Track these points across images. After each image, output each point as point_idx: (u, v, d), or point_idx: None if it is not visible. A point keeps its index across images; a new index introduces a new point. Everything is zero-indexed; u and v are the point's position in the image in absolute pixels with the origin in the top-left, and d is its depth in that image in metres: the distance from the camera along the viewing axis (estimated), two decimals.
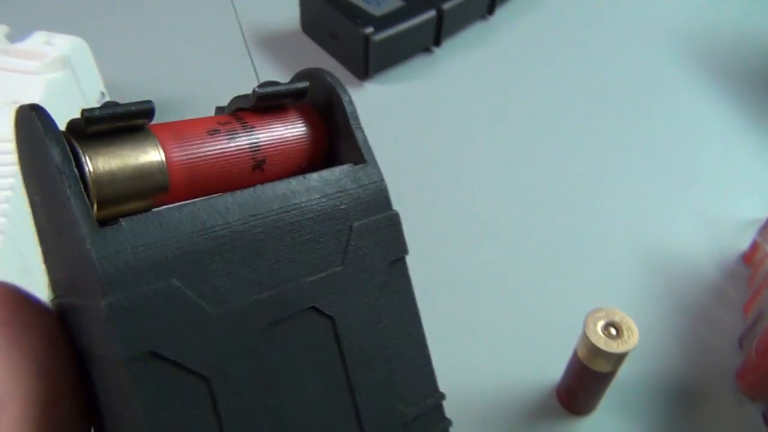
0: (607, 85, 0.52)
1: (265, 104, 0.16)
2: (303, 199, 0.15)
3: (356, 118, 0.17)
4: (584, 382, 0.29)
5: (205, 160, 0.15)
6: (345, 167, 0.17)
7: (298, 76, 0.18)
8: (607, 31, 0.58)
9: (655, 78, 0.53)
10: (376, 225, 0.16)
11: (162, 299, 0.13)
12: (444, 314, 0.34)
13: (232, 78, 0.51)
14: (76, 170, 0.12)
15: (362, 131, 0.17)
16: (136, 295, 0.12)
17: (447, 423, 0.18)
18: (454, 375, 0.32)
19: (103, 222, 0.13)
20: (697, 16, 0.60)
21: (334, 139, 0.18)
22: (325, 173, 0.16)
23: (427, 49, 0.54)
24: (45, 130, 0.12)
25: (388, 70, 0.52)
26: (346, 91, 0.17)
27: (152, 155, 0.14)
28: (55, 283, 0.15)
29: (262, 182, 0.15)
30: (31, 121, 0.13)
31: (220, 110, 0.18)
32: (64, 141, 0.13)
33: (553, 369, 0.31)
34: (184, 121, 0.16)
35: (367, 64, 0.49)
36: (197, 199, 0.14)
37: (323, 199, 0.16)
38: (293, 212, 0.15)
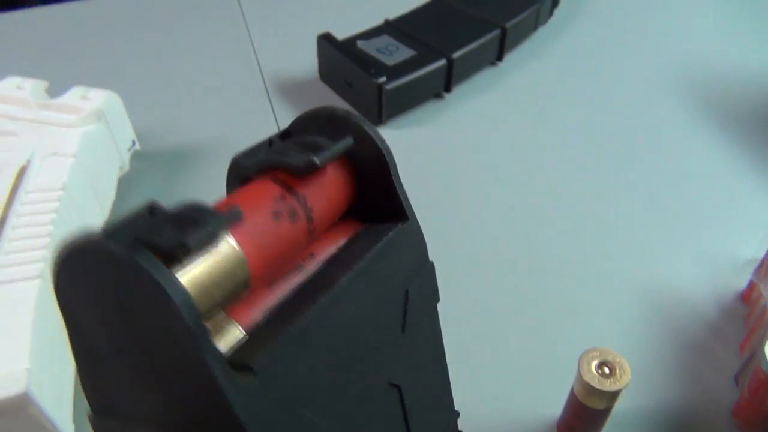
0: (611, 127, 0.54)
1: None
2: (371, 284, 0.15)
3: (397, 172, 0.17)
4: (582, 418, 0.31)
5: (277, 248, 0.15)
6: (395, 231, 0.16)
7: (329, 116, 0.18)
8: (611, 75, 0.60)
9: (657, 119, 0.55)
10: (420, 281, 0.17)
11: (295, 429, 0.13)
12: (447, 350, 0.36)
13: (253, 123, 0.54)
14: (206, 328, 0.12)
15: (402, 185, 0.17)
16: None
17: None
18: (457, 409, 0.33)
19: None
20: (696, 58, 0.62)
21: (364, 185, 0.17)
22: (384, 245, 0.16)
23: (438, 95, 0.57)
24: (166, 287, 0.12)
25: (400, 115, 0.54)
26: (383, 140, 0.17)
27: (232, 257, 0.14)
28: (101, 404, 0.15)
29: (309, 241, 0.15)
30: (135, 267, 0.12)
31: (243, 160, 0.18)
32: (192, 306, 0.12)
33: (554, 404, 0.33)
34: (241, 200, 0.16)
35: (381, 111, 0.52)
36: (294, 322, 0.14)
37: (386, 272, 0.16)
38: (370, 297, 0.15)
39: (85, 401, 0.33)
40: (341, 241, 0.17)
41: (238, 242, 0.14)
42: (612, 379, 0.28)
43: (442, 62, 0.54)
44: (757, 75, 0.60)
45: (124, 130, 0.47)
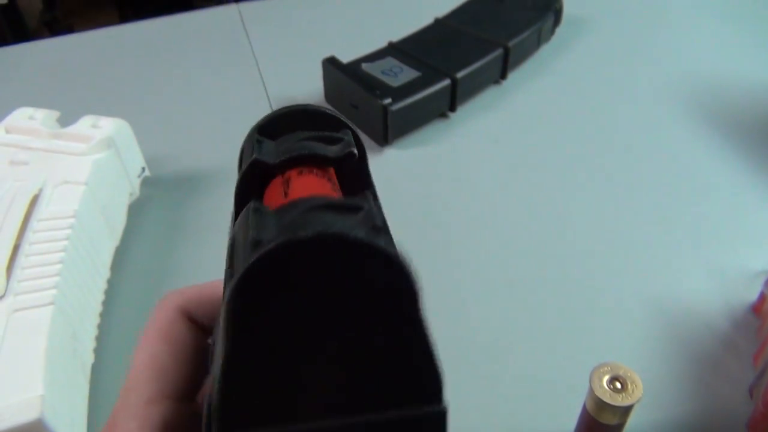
0: (616, 143, 0.54)
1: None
2: None
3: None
4: None
5: None
6: None
7: (305, 111, 0.19)
8: (614, 91, 0.61)
9: (663, 133, 0.55)
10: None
11: None
12: (461, 369, 0.36)
13: None
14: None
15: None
16: None
17: None
18: (470, 429, 0.33)
19: None
20: (699, 73, 0.62)
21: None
22: None
23: (443, 115, 0.57)
24: (404, 261, 0.13)
25: (406, 136, 0.55)
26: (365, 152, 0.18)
27: None
28: (260, 410, 0.14)
29: None
30: (376, 248, 0.13)
31: (264, 157, 0.19)
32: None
33: (567, 420, 0.33)
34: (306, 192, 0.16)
35: (386, 132, 0.53)
36: None
37: None
38: None
39: (99, 426, 0.33)
40: None
41: None
42: (624, 394, 0.28)
43: (446, 82, 0.54)
44: (761, 87, 0.60)
45: (134, 157, 0.48)
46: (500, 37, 0.60)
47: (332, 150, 0.17)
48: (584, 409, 0.30)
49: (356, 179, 0.19)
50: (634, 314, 0.39)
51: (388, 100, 0.51)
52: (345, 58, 0.57)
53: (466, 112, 0.58)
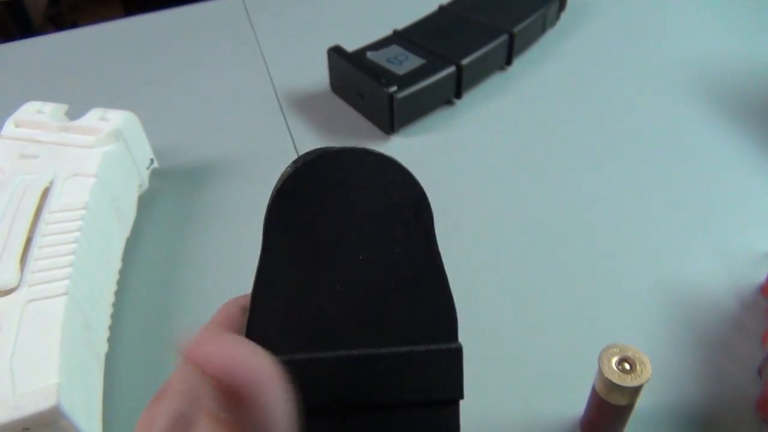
0: (623, 126, 0.54)
1: None
2: None
3: None
4: (604, 415, 0.31)
5: None
6: None
7: None
8: (620, 75, 0.60)
9: (670, 116, 0.55)
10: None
11: None
12: (469, 353, 0.36)
13: (267, 136, 0.55)
14: None
15: None
16: None
17: None
18: (480, 411, 0.34)
19: None
20: (709, 54, 0.62)
21: None
22: None
23: (449, 102, 0.57)
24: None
25: (412, 123, 0.55)
26: None
27: None
28: (285, 337, 0.15)
29: None
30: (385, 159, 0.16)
31: None
32: None
33: (577, 403, 0.33)
34: None
35: (392, 120, 0.53)
36: None
37: None
38: None
39: (114, 414, 0.34)
40: None
41: None
42: (633, 375, 0.28)
43: (452, 69, 0.54)
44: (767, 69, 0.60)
45: (143, 149, 0.48)
46: (505, 23, 0.59)
47: None
48: (593, 390, 0.31)
49: None
50: (643, 297, 0.40)
51: (393, 88, 0.51)
52: (350, 47, 0.57)
53: (471, 98, 0.58)
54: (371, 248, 0.15)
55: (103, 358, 0.37)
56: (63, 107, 0.47)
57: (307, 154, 0.16)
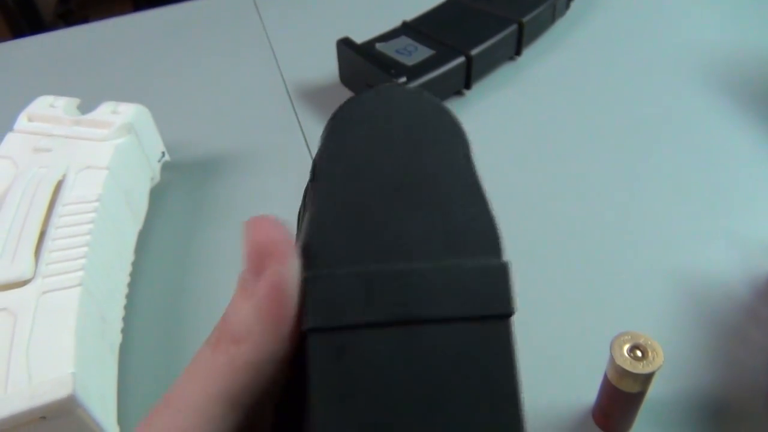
0: (635, 115, 0.54)
1: None
2: None
3: None
4: (616, 402, 0.31)
5: None
6: None
7: None
8: (631, 64, 0.60)
9: (681, 104, 0.54)
10: None
11: None
12: None
13: (277, 129, 0.55)
14: None
15: None
16: None
17: None
18: None
19: None
20: (720, 42, 0.62)
21: None
22: None
23: (458, 93, 0.57)
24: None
25: None
26: None
27: None
28: (321, 254, 0.15)
29: None
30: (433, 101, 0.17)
31: None
32: None
33: (588, 391, 0.33)
34: None
35: None
36: None
37: None
38: None
39: (128, 403, 0.34)
40: None
41: None
42: (645, 362, 0.28)
43: (461, 60, 0.54)
44: None
45: (154, 142, 0.49)
46: (514, 13, 0.59)
47: None
48: (605, 378, 0.31)
49: None
50: (655, 285, 0.39)
51: (403, 79, 0.51)
52: (359, 38, 0.57)
53: (481, 89, 0.58)
54: (417, 166, 0.16)
55: (117, 349, 0.38)
56: (75, 101, 0.47)
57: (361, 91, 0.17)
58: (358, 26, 0.60)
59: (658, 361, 0.28)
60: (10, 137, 0.43)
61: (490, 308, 0.16)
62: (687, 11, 0.68)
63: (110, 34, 0.72)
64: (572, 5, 0.68)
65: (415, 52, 0.55)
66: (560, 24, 0.66)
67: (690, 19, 0.66)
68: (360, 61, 0.55)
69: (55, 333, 0.31)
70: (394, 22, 0.60)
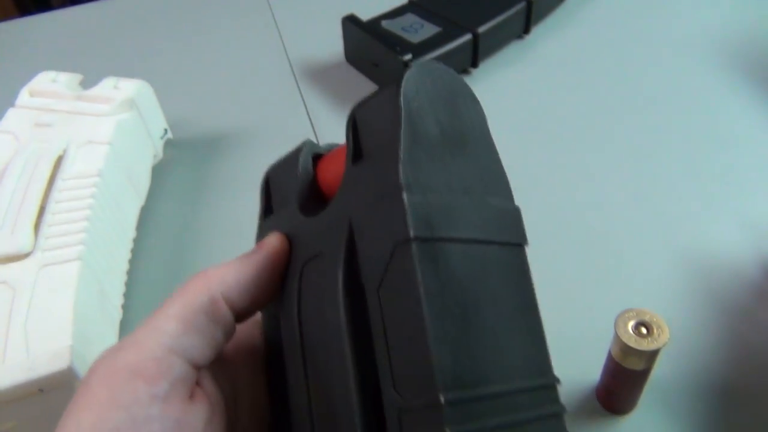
0: (646, 94, 0.53)
1: None
2: None
3: None
4: (620, 380, 0.30)
5: None
6: None
7: None
8: (642, 42, 0.59)
9: (691, 83, 0.53)
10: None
11: None
12: None
13: (281, 107, 0.55)
14: None
15: None
16: None
17: None
18: None
19: None
20: (733, 20, 0.60)
21: None
22: None
23: (465, 71, 0.56)
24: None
25: None
26: None
27: None
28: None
29: None
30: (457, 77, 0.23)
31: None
32: None
33: (592, 370, 0.33)
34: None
35: None
36: None
37: None
38: None
39: None
40: None
41: None
42: (650, 339, 0.28)
43: (468, 37, 0.53)
44: None
45: (156, 119, 0.48)
46: None
47: None
48: (609, 355, 0.30)
49: None
50: (663, 264, 0.39)
51: (408, 56, 0.50)
52: (365, 16, 0.56)
53: (488, 67, 0.57)
54: (459, 124, 0.22)
55: (117, 325, 0.37)
56: (77, 77, 0.47)
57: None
58: (364, 4, 0.59)
59: (663, 338, 0.28)
60: (11, 112, 0.43)
61: (516, 238, 0.22)
62: None
63: (115, 12, 0.71)
64: None
65: (422, 30, 0.54)
66: (569, 2, 0.65)
67: None
68: (365, 38, 0.54)
69: (54, 306, 0.31)
70: (400, 0, 0.59)
